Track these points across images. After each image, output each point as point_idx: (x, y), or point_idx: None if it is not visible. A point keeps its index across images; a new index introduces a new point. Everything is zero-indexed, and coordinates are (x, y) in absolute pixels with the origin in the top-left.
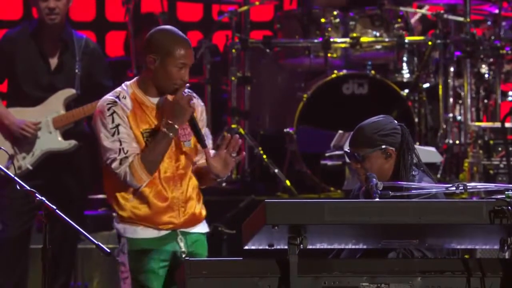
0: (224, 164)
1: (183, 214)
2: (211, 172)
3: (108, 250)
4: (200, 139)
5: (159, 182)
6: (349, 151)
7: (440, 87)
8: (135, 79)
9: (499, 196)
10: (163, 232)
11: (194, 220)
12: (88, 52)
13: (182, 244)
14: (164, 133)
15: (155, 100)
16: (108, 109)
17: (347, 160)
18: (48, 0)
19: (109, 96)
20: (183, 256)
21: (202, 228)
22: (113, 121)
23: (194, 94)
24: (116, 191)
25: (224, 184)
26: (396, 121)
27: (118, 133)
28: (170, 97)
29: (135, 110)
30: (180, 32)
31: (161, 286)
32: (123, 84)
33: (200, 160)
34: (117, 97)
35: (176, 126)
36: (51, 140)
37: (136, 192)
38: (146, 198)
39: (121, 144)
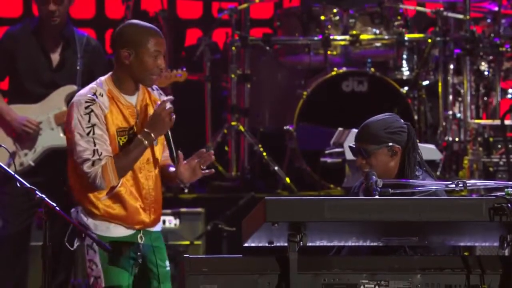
0: (192, 173)
1: (153, 213)
2: (177, 177)
3: (109, 247)
4: (172, 153)
5: (134, 182)
6: (354, 146)
7: (440, 84)
8: (108, 75)
9: (498, 194)
10: (132, 231)
11: (158, 219)
12: (90, 49)
13: (141, 242)
14: (141, 140)
15: (129, 98)
16: (86, 108)
17: (352, 156)
18: (48, 4)
19: (86, 93)
20: (140, 254)
21: (160, 226)
22: (89, 120)
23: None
24: (88, 189)
25: (186, 191)
26: (402, 120)
27: (93, 133)
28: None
29: (112, 108)
30: (147, 23)
31: (131, 283)
32: (97, 80)
33: (166, 158)
34: (94, 94)
35: (153, 135)
36: (53, 137)
37: (110, 191)
38: (121, 198)
39: (95, 145)
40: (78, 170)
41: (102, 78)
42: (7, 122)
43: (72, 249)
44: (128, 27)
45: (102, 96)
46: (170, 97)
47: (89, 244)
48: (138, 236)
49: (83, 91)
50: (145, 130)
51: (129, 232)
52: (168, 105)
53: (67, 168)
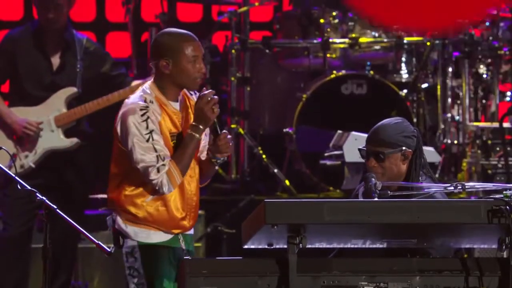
0: (224, 147)
1: (192, 218)
2: (212, 154)
3: (109, 249)
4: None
5: (179, 186)
6: (365, 149)
7: (439, 87)
8: (150, 82)
9: (497, 196)
10: (171, 235)
11: (195, 224)
12: (90, 52)
13: (183, 244)
14: (191, 135)
15: (174, 104)
16: (142, 115)
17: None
18: (48, 11)
19: (138, 100)
20: (180, 258)
21: (193, 230)
22: (147, 127)
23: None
24: (133, 191)
25: (216, 167)
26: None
27: (153, 139)
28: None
29: (163, 115)
30: (181, 30)
31: (174, 286)
32: (143, 88)
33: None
34: (145, 101)
35: (201, 127)
36: (53, 139)
37: (155, 193)
38: (165, 200)
39: (156, 151)
40: (126, 173)
41: (147, 85)
42: (7, 125)
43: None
44: (162, 36)
45: (152, 103)
46: (210, 90)
47: (128, 252)
48: (180, 240)
49: (133, 98)
50: (193, 123)
51: (169, 237)
52: (209, 97)
53: (109, 174)
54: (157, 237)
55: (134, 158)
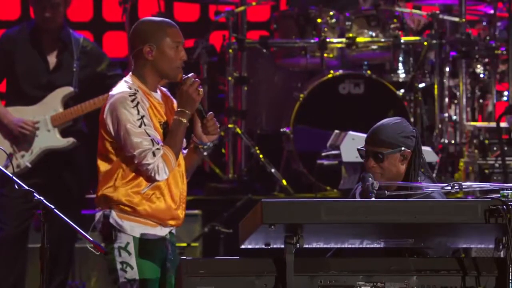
0: (212, 128)
1: (183, 208)
2: (199, 140)
3: (106, 249)
4: (203, 124)
5: (171, 175)
6: (364, 149)
7: (436, 87)
8: (130, 75)
9: (494, 196)
10: (166, 230)
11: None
12: (86, 51)
13: (168, 244)
14: (179, 120)
15: (155, 94)
16: (132, 101)
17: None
18: (44, 11)
19: (124, 89)
20: (169, 251)
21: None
22: (138, 113)
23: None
24: (128, 184)
25: (205, 154)
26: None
27: (144, 125)
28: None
29: (149, 103)
30: (160, 17)
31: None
32: (125, 79)
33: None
34: (130, 89)
35: (187, 112)
36: (50, 138)
37: (150, 183)
38: (161, 189)
39: (149, 135)
40: (119, 163)
41: (127, 78)
42: (4, 125)
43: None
44: (143, 24)
45: (137, 91)
46: (192, 74)
47: (122, 246)
48: (168, 233)
49: (118, 89)
50: (179, 109)
51: (165, 231)
52: (192, 81)
53: (98, 172)
54: (153, 232)
55: (128, 145)
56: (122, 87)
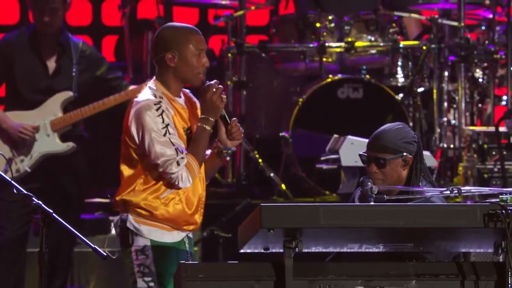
0: (237, 133)
1: (201, 214)
2: (223, 145)
3: (105, 254)
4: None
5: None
6: (366, 154)
7: (435, 91)
8: (154, 80)
9: (493, 200)
10: (183, 235)
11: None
12: (85, 56)
13: (187, 247)
14: (202, 127)
15: (179, 100)
16: (157, 109)
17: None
18: (43, 15)
19: (149, 96)
20: (189, 257)
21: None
22: (163, 121)
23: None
24: (149, 189)
25: (228, 158)
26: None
27: (169, 133)
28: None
29: (174, 109)
30: (184, 24)
31: None
32: (149, 85)
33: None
34: (155, 96)
35: (211, 119)
36: (49, 143)
37: (170, 188)
38: (181, 197)
39: (173, 145)
40: (139, 168)
41: (152, 83)
42: (3, 130)
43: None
44: (167, 30)
45: (162, 98)
46: (215, 80)
47: (139, 249)
48: (185, 243)
49: (144, 95)
50: (203, 116)
51: (181, 236)
52: (216, 88)
53: (121, 177)
54: (170, 237)
55: (153, 153)
56: (147, 94)
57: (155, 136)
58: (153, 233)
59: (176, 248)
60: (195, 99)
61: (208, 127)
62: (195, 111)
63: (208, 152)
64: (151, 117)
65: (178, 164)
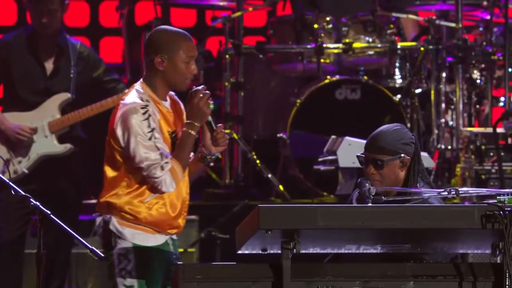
0: (222, 139)
1: (185, 217)
2: (208, 150)
3: (102, 255)
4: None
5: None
6: (364, 156)
7: (432, 92)
8: (141, 82)
9: (491, 201)
10: (166, 238)
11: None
12: (83, 57)
13: (171, 247)
14: (188, 133)
15: (165, 103)
16: (144, 113)
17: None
18: (41, 16)
19: (135, 99)
20: (175, 257)
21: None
22: (149, 125)
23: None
24: (133, 193)
25: (211, 164)
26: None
27: (155, 138)
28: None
29: (159, 113)
30: (177, 28)
31: None
32: (136, 88)
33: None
34: (142, 100)
35: (197, 124)
36: (47, 144)
37: (154, 192)
38: (165, 201)
39: (158, 149)
40: (123, 172)
41: (139, 85)
42: (1, 131)
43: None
44: (160, 32)
45: (149, 101)
46: (202, 86)
47: (122, 253)
48: (170, 244)
49: (130, 98)
50: (188, 121)
51: (164, 239)
52: (203, 93)
53: (104, 178)
54: (153, 240)
55: (137, 157)
56: (133, 97)
57: (140, 140)
58: (137, 237)
59: (161, 250)
60: (179, 100)
61: (193, 132)
62: (181, 115)
63: (192, 155)
64: (137, 120)
65: (162, 168)
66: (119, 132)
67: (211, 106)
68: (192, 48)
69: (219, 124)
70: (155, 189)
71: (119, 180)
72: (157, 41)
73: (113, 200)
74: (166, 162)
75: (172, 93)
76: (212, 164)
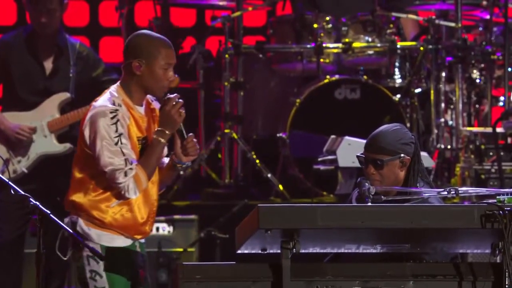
0: (192, 149)
1: (152, 223)
2: (178, 159)
3: (102, 254)
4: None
5: (143, 191)
6: (363, 156)
7: (432, 92)
8: (118, 85)
9: (490, 201)
10: (131, 241)
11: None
12: (82, 57)
13: (139, 249)
14: (158, 140)
15: (139, 108)
16: (112, 118)
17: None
18: (40, 16)
19: (107, 103)
20: (142, 259)
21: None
22: (116, 130)
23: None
24: (98, 196)
25: (182, 173)
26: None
27: (121, 143)
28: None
29: (130, 118)
30: (158, 34)
31: None
32: (110, 90)
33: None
34: (114, 103)
35: (167, 132)
36: (46, 144)
37: (120, 198)
38: (130, 205)
39: (124, 155)
40: (89, 175)
41: (114, 88)
42: (0, 131)
43: (65, 259)
44: (140, 37)
45: (121, 106)
46: (175, 94)
47: (90, 255)
48: (137, 246)
49: (102, 101)
50: (159, 128)
51: (130, 242)
52: (175, 101)
53: (72, 177)
54: (120, 241)
55: (101, 161)
56: (105, 100)
57: (106, 144)
58: (103, 238)
59: (128, 250)
60: (157, 107)
61: (163, 140)
62: (156, 120)
63: (166, 160)
64: (105, 124)
65: (125, 174)
66: (86, 134)
67: (182, 115)
68: (171, 56)
69: (190, 134)
70: (120, 194)
71: (85, 183)
72: (137, 45)
73: (80, 201)
74: (131, 168)
75: (152, 98)
76: (182, 173)
